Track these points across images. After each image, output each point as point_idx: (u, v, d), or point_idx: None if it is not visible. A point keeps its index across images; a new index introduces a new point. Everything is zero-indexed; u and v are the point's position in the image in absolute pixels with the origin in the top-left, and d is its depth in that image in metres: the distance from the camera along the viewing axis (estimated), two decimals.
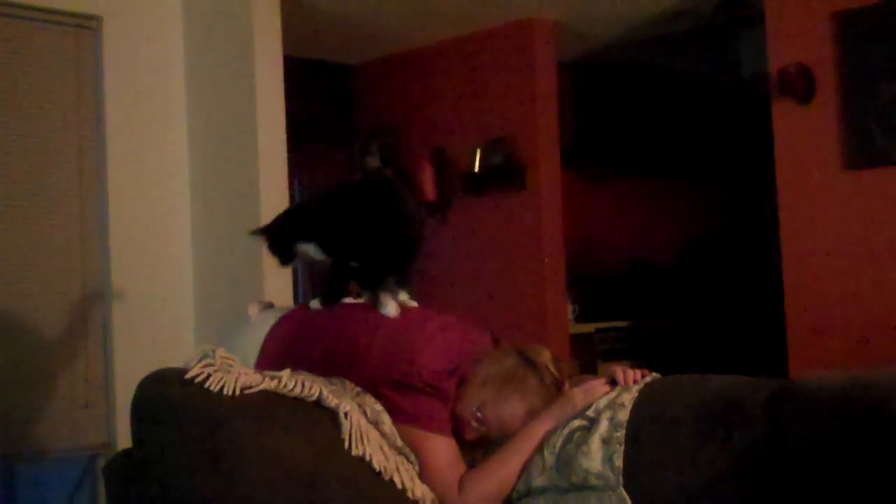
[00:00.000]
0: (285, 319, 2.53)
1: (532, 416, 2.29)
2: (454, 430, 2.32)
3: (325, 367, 2.32)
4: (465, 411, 2.33)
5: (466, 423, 2.33)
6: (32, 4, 4.17)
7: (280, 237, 2.57)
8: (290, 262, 2.60)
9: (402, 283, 2.52)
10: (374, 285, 2.48)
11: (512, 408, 2.31)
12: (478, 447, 2.36)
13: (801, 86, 4.58)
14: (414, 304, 2.54)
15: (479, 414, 2.32)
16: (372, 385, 2.29)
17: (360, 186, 2.63)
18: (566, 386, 2.34)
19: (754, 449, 2.03)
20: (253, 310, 2.68)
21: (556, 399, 2.29)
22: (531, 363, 2.34)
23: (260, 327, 2.52)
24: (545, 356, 2.37)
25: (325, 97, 6.11)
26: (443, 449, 2.28)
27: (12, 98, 4.15)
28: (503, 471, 2.24)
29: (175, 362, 2.18)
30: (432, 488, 2.23)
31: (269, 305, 2.74)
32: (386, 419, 2.24)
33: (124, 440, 4.08)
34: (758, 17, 4.85)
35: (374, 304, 2.45)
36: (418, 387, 2.28)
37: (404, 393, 2.28)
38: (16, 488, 4.24)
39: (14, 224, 4.13)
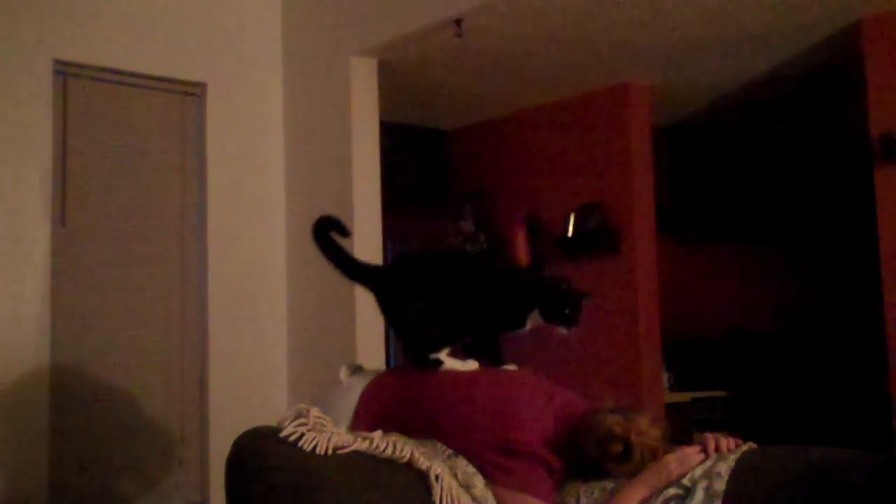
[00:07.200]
0: (377, 384, 2.55)
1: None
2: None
3: (422, 432, 2.33)
4: None
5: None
6: (142, 73, 4.33)
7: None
8: None
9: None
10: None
11: None
12: None
13: None
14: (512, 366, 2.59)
15: None
16: (475, 449, 2.30)
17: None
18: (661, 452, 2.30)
19: None
20: (343, 374, 2.70)
21: (652, 466, 2.25)
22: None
23: (351, 392, 2.54)
24: (644, 422, 2.32)
25: (419, 161, 6.17)
26: None
27: (122, 159, 4.29)
28: None
29: (269, 423, 2.20)
30: None
31: (358, 368, 2.76)
32: (478, 482, 2.23)
33: (217, 499, 4.13)
34: (858, 81, 4.77)
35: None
36: (525, 453, 2.29)
37: (511, 458, 2.30)
38: None
39: (120, 282, 4.24)
